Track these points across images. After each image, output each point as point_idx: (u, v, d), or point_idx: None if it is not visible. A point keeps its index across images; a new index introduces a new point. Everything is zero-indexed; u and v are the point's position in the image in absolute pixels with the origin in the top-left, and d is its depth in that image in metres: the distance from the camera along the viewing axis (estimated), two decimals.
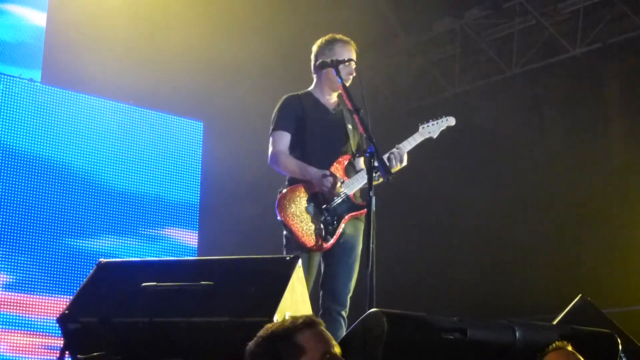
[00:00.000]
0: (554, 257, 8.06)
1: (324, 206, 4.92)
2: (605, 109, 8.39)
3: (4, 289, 6.53)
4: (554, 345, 3.58)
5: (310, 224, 4.90)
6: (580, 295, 4.74)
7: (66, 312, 3.59)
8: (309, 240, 4.85)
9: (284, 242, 4.98)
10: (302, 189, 4.96)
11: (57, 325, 3.59)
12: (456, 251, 8.46)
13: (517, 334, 3.60)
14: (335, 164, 5.03)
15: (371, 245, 4.33)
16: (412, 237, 8.47)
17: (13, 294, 6.56)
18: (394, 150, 4.97)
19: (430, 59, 9.53)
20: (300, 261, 3.60)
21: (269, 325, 2.77)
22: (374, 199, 4.41)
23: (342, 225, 4.94)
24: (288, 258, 3.64)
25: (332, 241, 4.90)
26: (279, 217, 4.90)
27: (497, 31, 9.18)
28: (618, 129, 8.23)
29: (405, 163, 4.99)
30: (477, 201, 8.39)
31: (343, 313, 4.89)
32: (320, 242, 4.85)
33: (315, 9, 7.43)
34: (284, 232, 4.95)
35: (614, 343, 3.82)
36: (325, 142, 5.08)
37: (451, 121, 5.30)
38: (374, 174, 4.45)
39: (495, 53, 9.14)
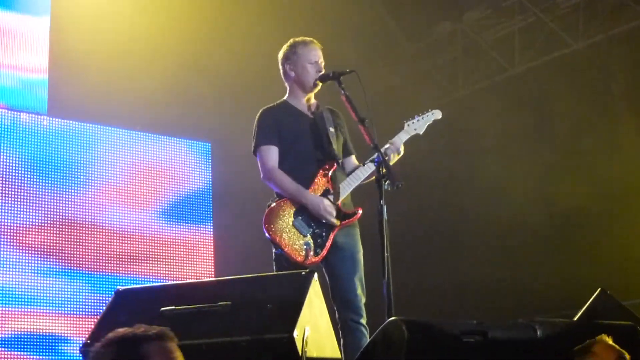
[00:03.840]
0: (571, 252, 8.03)
1: (311, 219, 4.90)
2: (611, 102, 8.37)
3: None
4: (594, 340, 3.54)
5: (299, 238, 4.85)
6: (599, 289, 4.71)
7: (87, 342, 3.62)
8: (298, 255, 4.80)
9: (274, 258, 4.94)
10: (289, 203, 4.92)
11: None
12: (470, 251, 8.43)
13: (538, 333, 3.59)
14: (320, 172, 5.00)
15: (386, 254, 4.33)
16: (423, 241, 8.45)
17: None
18: (389, 145, 4.92)
19: (433, 63, 9.54)
20: (316, 275, 3.60)
21: (122, 329, 2.64)
22: (385, 207, 4.41)
23: (332, 236, 4.91)
24: (304, 273, 3.64)
25: (322, 254, 4.86)
26: (266, 235, 4.87)
27: (497, 30, 9.17)
28: (627, 120, 8.20)
29: (402, 152, 4.97)
30: (488, 201, 8.36)
31: (362, 321, 4.84)
32: (310, 256, 4.82)
33: (316, 24, 7.45)
34: (273, 249, 4.92)
35: (636, 335, 3.81)
36: (308, 149, 5.02)
37: (437, 114, 5.23)
38: (383, 183, 4.46)
39: (498, 52, 9.13)
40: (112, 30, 7.50)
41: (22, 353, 6.59)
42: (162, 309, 3.63)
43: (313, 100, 5.17)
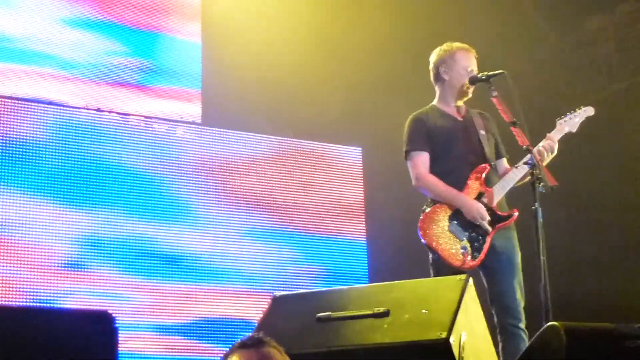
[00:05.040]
0: None
1: (467, 223, 4.87)
2: None
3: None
4: None
5: (456, 242, 4.83)
6: None
7: None
8: (456, 260, 4.78)
9: (430, 264, 4.93)
10: (444, 208, 4.91)
11: None
12: (629, 251, 8.13)
13: None
14: (473, 175, 4.96)
15: (542, 257, 4.27)
16: (580, 241, 8.20)
17: None
18: (544, 143, 4.89)
19: (585, 58, 9.29)
20: (471, 280, 3.58)
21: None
22: (539, 210, 4.35)
23: (489, 240, 4.86)
24: (459, 278, 3.62)
25: (480, 258, 4.82)
26: (422, 240, 4.87)
27: None
28: None
29: (555, 152, 4.92)
30: None
31: (521, 325, 4.79)
32: (467, 261, 4.79)
33: (459, 24, 7.40)
34: (429, 255, 4.91)
35: None
36: (460, 153, 5.01)
37: (589, 111, 5.14)
38: (538, 185, 4.40)
39: None
40: (263, 39, 7.66)
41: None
42: (318, 314, 3.69)
43: (462, 104, 5.15)
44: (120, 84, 7.04)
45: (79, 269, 6.51)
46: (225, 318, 6.84)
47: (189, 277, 6.81)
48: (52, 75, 6.81)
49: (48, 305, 6.24)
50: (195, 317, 6.77)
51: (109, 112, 6.80)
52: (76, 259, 6.52)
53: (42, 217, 6.43)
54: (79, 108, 6.71)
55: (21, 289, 6.28)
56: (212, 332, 6.80)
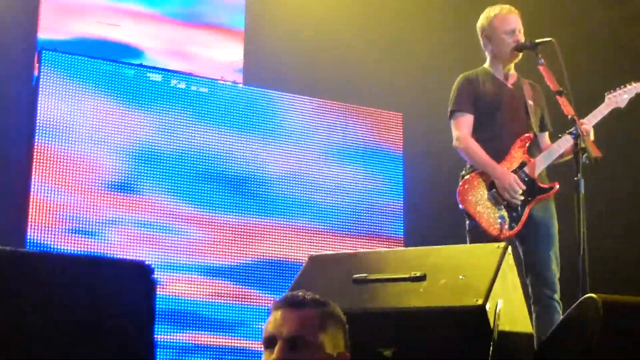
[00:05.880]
0: None
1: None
2: None
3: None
4: None
5: (494, 211, 4.80)
6: None
7: None
8: (493, 228, 4.76)
9: (467, 230, 4.91)
10: (483, 175, 4.88)
11: None
12: None
13: None
14: (517, 144, 4.92)
15: (582, 229, 4.24)
16: (623, 215, 8.07)
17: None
18: (579, 126, 4.59)
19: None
20: (510, 248, 3.56)
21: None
22: (582, 181, 4.31)
23: (528, 210, 4.83)
24: (497, 246, 3.60)
25: (517, 228, 4.79)
26: (460, 206, 4.85)
27: None
28: None
29: (592, 138, 4.76)
30: None
31: (556, 297, 4.78)
32: (505, 230, 4.76)
33: None
34: (467, 221, 4.89)
35: None
36: (505, 120, 4.97)
37: None
38: (581, 156, 4.36)
39: None
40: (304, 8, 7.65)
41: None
42: (354, 275, 3.69)
43: (513, 71, 5.10)
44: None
45: (128, 192, 6.41)
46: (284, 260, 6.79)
47: (252, 210, 6.77)
48: None
49: (89, 241, 6.18)
50: (250, 258, 6.69)
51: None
52: (126, 180, 6.41)
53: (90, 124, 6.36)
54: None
55: (63, 214, 6.17)
56: (265, 276, 6.72)
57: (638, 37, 9.04)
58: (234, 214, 6.72)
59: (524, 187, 4.82)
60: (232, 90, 7.03)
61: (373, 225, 7.20)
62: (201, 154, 6.71)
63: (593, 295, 3.18)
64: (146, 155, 6.52)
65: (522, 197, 4.80)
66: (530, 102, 5.01)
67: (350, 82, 7.61)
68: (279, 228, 6.85)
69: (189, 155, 6.67)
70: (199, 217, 6.59)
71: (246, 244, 6.70)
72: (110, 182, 6.36)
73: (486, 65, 5.13)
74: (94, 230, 6.25)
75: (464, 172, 4.98)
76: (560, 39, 4.80)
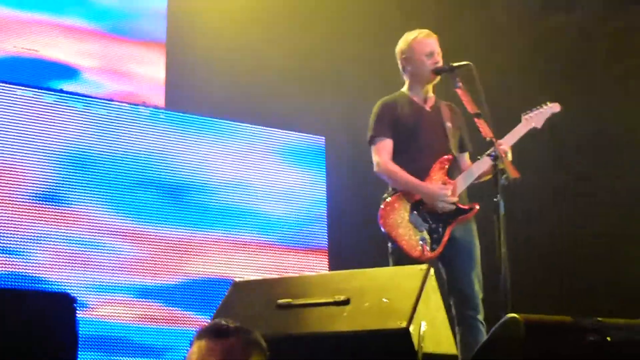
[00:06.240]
0: None
1: (427, 214, 4.87)
2: None
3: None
4: None
5: (415, 233, 4.84)
6: None
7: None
8: (415, 250, 4.80)
9: (389, 253, 4.94)
10: (405, 197, 4.92)
11: None
12: (593, 245, 8.09)
13: None
14: (437, 166, 4.97)
15: (502, 249, 4.28)
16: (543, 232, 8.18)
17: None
18: (497, 147, 4.59)
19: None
20: (432, 270, 3.58)
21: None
22: (502, 202, 4.36)
23: (449, 232, 4.88)
24: (420, 268, 3.62)
25: (439, 249, 4.84)
26: (382, 229, 4.88)
27: None
28: None
29: (510, 158, 4.75)
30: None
31: (479, 317, 4.82)
32: (426, 252, 4.80)
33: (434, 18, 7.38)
34: (389, 244, 4.92)
35: None
36: (425, 143, 5.01)
37: (555, 107, 5.17)
38: (500, 177, 4.41)
39: None
40: (224, 28, 7.61)
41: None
42: (279, 301, 3.67)
43: (431, 94, 5.16)
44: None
45: (55, 204, 5.98)
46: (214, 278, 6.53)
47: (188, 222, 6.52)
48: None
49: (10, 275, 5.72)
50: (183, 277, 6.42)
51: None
52: (51, 189, 5.97)
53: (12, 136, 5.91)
54: None
55: None
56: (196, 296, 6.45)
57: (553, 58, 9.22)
58: (169, 226, 6.49)
59: (452, 186, 4.87)
60: (153, 115, 6.90)
61: (296, 247, 7.16)
62: (133, 160, 6.44)
63: (515, 315, 3.20)
64: (74, 161, 6.13)
65: (456, 199, 4.86)
66: (448, 124, 5.06)
67: (271, 105, 7.57)
68: (205, 242, 6.65)
69: (121, 161, 6.37)
70: (131, 230, 6.28)
71: (177, 260, 6.44)
72: (33, 193, 5.94)
73: (404, 89, 5.17)
74: (16, 248, 5.80)
75: (385, 195, 5.00)
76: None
